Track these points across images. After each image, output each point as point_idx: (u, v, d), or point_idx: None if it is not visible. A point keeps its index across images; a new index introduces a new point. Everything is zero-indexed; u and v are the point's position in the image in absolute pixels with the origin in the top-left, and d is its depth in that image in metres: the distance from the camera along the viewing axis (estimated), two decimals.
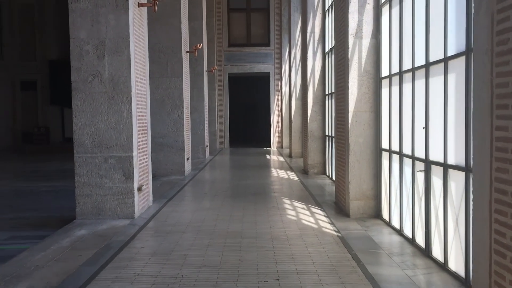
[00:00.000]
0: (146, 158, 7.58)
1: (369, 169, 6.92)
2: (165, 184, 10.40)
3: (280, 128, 21.74)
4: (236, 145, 22.82)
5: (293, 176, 11.86)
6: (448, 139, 4.51)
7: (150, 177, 7.83)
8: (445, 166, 4.56)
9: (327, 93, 11.49)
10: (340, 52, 7.39)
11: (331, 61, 10.87)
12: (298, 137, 16.66)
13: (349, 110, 6.90)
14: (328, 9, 11.17)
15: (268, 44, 21.92)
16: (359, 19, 6.82)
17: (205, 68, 16.64)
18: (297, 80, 16.83)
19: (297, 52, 16.78)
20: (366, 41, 6.84)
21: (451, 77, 4.47)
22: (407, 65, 5.74)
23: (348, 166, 6.94)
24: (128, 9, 6.67)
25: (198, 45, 12.22)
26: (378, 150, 6.90)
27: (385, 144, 6.69)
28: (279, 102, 21.78)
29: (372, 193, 6.93)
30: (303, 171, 12.56)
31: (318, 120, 11.99)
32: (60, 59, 22.82)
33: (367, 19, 6.82)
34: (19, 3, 23.51)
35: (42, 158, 18.29)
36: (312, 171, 11.95)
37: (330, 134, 11.09)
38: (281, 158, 16.81)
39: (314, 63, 11.92)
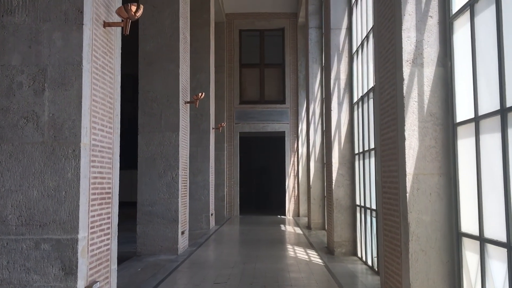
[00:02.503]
0: (108, 241, 5.24)
1: (441, 265, 4.46)
2: (148, 268, 7.95)
3: (296, 194, 19.25)
4: (247, 212, 20.31)
5: (314, 257, 9.31)
6: None
7: (114, 267, 5.43)
8: None
9: (357, 151, 9.21)
10: (388, 89, 5.19)
11: (361, 112, 8.69)
12: (318, 205, 14.25)
13: (407, 173, 4.57)
14: (357, 51, 9.17)
15: (283, 101, 19.95)
16: (417, 39, 4.66)
17: (212, 125, 14.64)
18: (316, 139, 14.70)
19: (316, 108, 14.76)
20: (430, 70, 4.64)
21: None
22: None
23: (408, 258, 4.50)
24: (83, 25, 4.64)
25: (200, 94, 10.22)
26: (454, 235, 4.47)
27: (468, 227, 4.28)
28: (295, 165, 19.47)
29: None
30: (327, 250, 10.00)
31: (346, 185, 9.61)
32: None
33: (430, 39, 4.66)
34: None
35: None
36: (339, 251, 9.40)
37: (362, 204, 8.68)
38: (298, 230, 14.25)
39: (340, 116, 9.75)
